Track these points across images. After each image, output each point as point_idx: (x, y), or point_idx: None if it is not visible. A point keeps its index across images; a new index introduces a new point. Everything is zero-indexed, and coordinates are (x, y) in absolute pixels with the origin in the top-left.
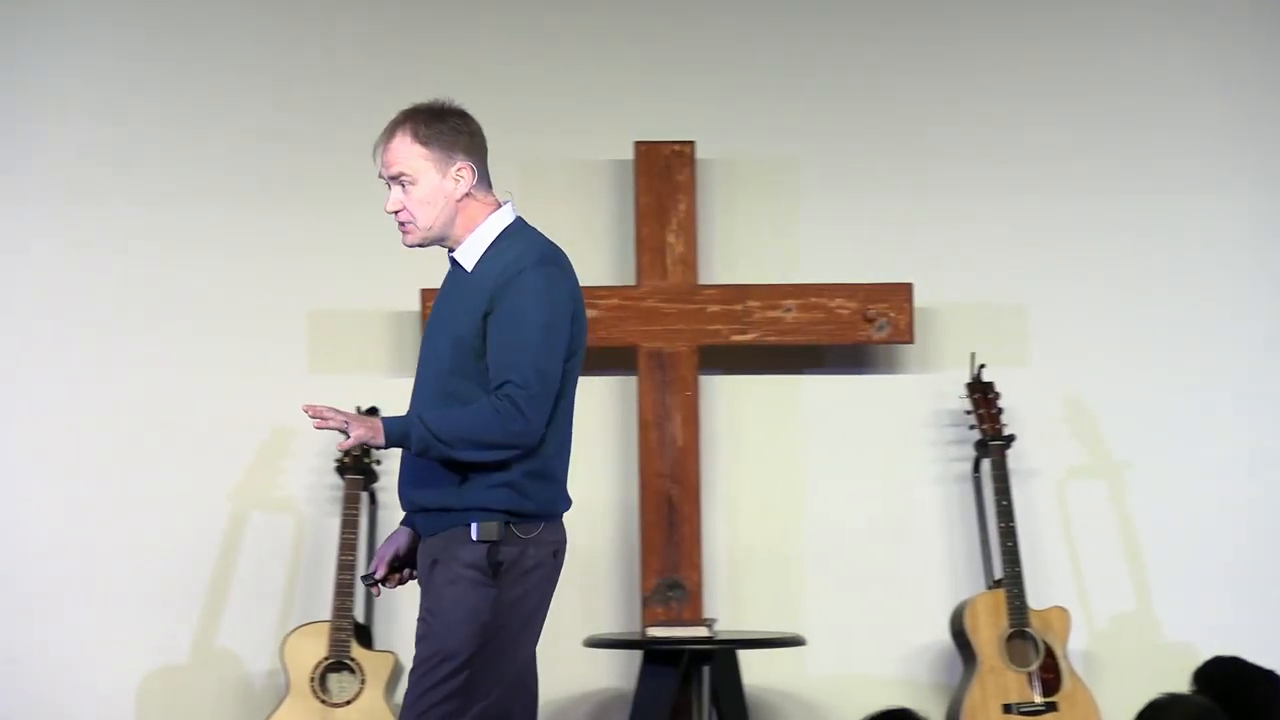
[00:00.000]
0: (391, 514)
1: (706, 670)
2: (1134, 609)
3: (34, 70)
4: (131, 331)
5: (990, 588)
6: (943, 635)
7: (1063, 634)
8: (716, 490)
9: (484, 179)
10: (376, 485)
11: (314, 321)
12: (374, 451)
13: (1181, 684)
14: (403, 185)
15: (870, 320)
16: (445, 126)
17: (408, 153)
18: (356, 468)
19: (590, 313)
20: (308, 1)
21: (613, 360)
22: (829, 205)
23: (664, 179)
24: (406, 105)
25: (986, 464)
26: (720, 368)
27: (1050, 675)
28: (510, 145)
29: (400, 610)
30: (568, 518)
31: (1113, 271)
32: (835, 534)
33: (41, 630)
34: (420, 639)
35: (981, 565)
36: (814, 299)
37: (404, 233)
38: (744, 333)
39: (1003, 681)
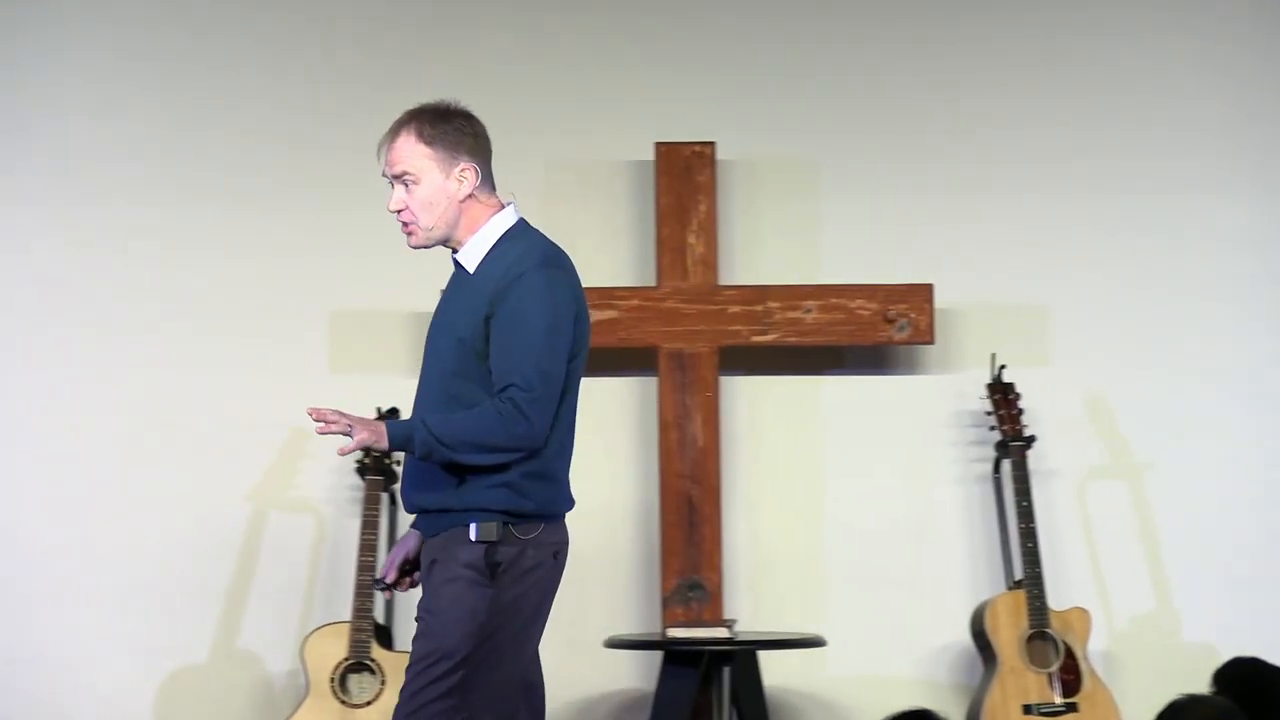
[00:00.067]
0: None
1: (727, 671)
2: (1154, 610)
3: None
4: (151, 332)
5: (1010, 588)
6: (963, 636)
7: (1083, 635)
8: (737, 491)
9: (488, 180)
10: (397, 486)
11: (334, 322)
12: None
13: (1201, 685)
14: (406, 185)
15: (891, 321)
16: (450, 127)
17: (411, 152)
18: (377, 468)
19: (610, 313)
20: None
21: (633, 361)
22: (849, 206)
23: (685, 180)
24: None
25: (1007, 464)
26: (741, 368)
27: (1070, 676)
28: (531, 146)
29: None
30: (588, 517)
31: (1134, 272)
32: (856, 534)
33: (62, 630)
34: (418, 637)
35: (1002, 566)
36: (834, 300)
37: (407, 234)
38: (764, 333)
39: (1023, 682)
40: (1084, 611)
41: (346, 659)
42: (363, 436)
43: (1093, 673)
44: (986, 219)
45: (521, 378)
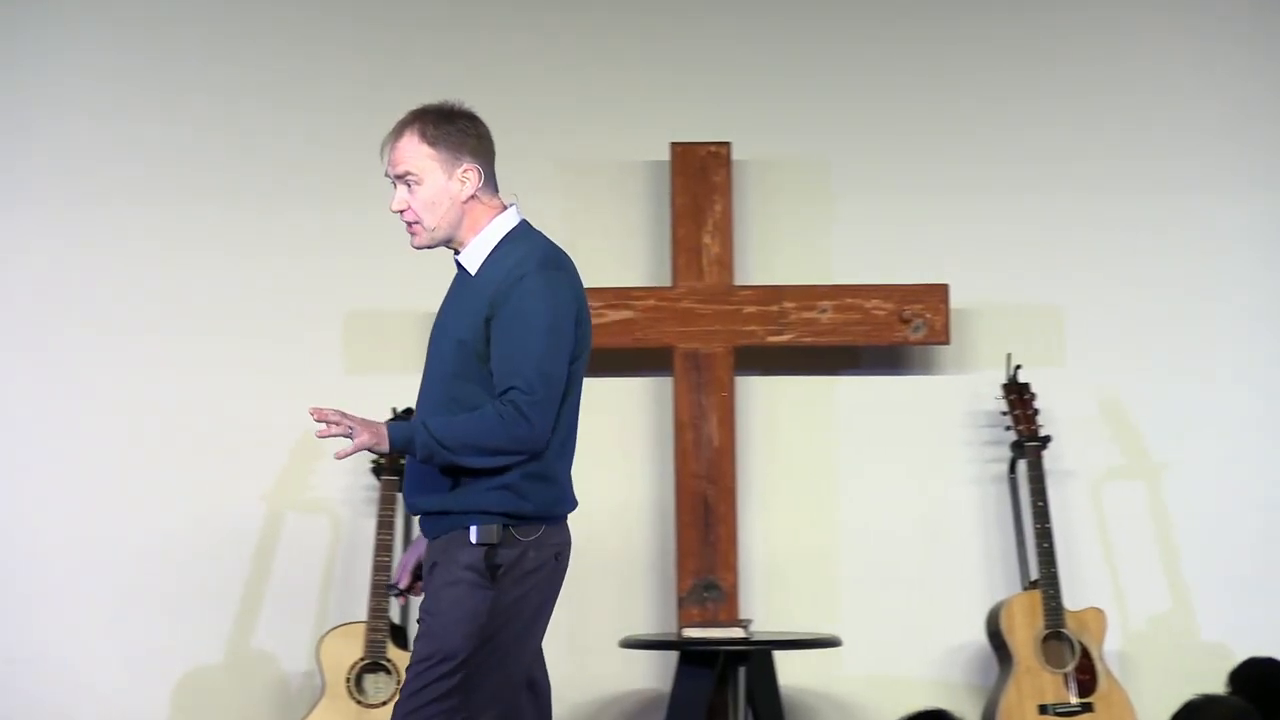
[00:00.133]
0: None
1: (742, 671)
2: (1169, 610)
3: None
4: (167, 334)
5: (1026, 588)
6: (978, 636)
7: (1099, 635)
8: (752, 491)
9: (490, 181)
10: None
11: (350, 323)
12: None
13: (1217, 685)
14: (408, 185)
15: (906, 321)
16: (453, 128)
17: (414, 153)
18: (392, 469)
19: (626, 313)
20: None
21: (649, 361)
22: (865, 206)
23: (700, 180)
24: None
25: (1022, 465)
26: (756, 368)
27: (1086, 676)
28: (547, 146)
29: None
30: (603, 517)
31: (1150, 272)
32: (871, 535)
33: (77, 631)
34: (419, 637)
35: (1017, 566)
36: (850, 300)
37: (411, 234)
38: (780, 334)
39: (1039, 682)
40: (1100, 611)
41: (362, 659)
42: (363, 439)
43: (1108, 673)
44: (1002, 219)
45: (523, 380)
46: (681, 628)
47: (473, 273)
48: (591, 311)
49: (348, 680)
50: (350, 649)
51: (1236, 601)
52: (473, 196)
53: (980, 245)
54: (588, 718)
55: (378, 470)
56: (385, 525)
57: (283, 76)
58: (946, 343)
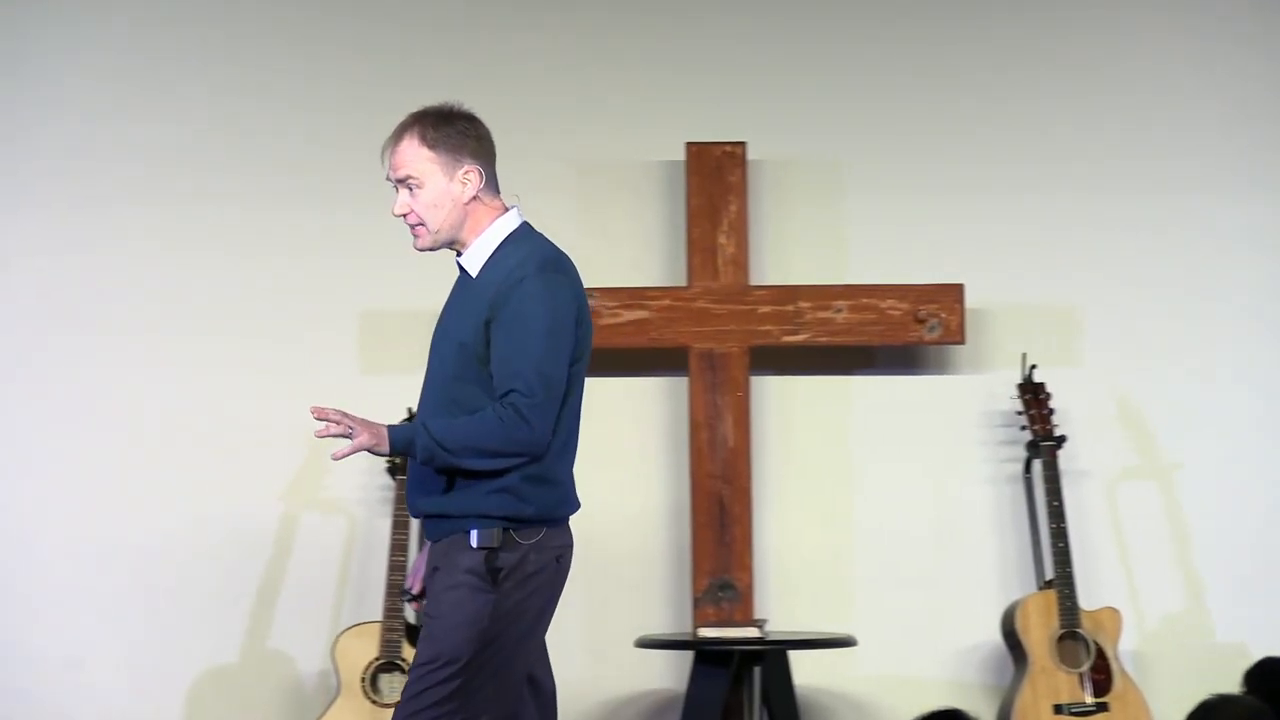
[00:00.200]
0: None
1: (757, 671)
2: (1185, 609)
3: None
4: (184, 333)
5: (1041, 588)
6: (993, 636)
7: (1114, 634)
8: (768, 491)
9: (491, 183)
10: None
11: (365, 322)
12: None
13: (1232, 684)
14: (410, 188)
15: (921, 321)
16: (452, 130)
17: (415, 156)
18: (407, 469)
19: (641, 313)
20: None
21: (664, 361)
22: (880, 206)
23: (715, 180)
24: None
25: (1038, 465)
26: (771, 368)
27: (1101, 676)
28: (563, 147)
29: None
30: (618, 517)
31: (1165, 272)
32: (886, 534)
33: (93, 631)
34: (422, 640)
35: (1033, 566)
36: (865, 300)
37: (414, 236)
38: (795, 333)
39: (1054, 682)
40: (1115, 611)
41: (377, 659)
42: (362, 439)
43: (1124, 672)
44: (1017, 219)
45: (523, 383)
46: (697, 627)
47: (474, 275)
48: (607, 311)
49: (363, 680)
50: (366, 649)
51: (1252, 601)
52: (474, 198)
53: (996, 245)
54: (603, 718)
55: (393, 470)
56: (400, 525)
57: (294, 78)
58: (962, 342)
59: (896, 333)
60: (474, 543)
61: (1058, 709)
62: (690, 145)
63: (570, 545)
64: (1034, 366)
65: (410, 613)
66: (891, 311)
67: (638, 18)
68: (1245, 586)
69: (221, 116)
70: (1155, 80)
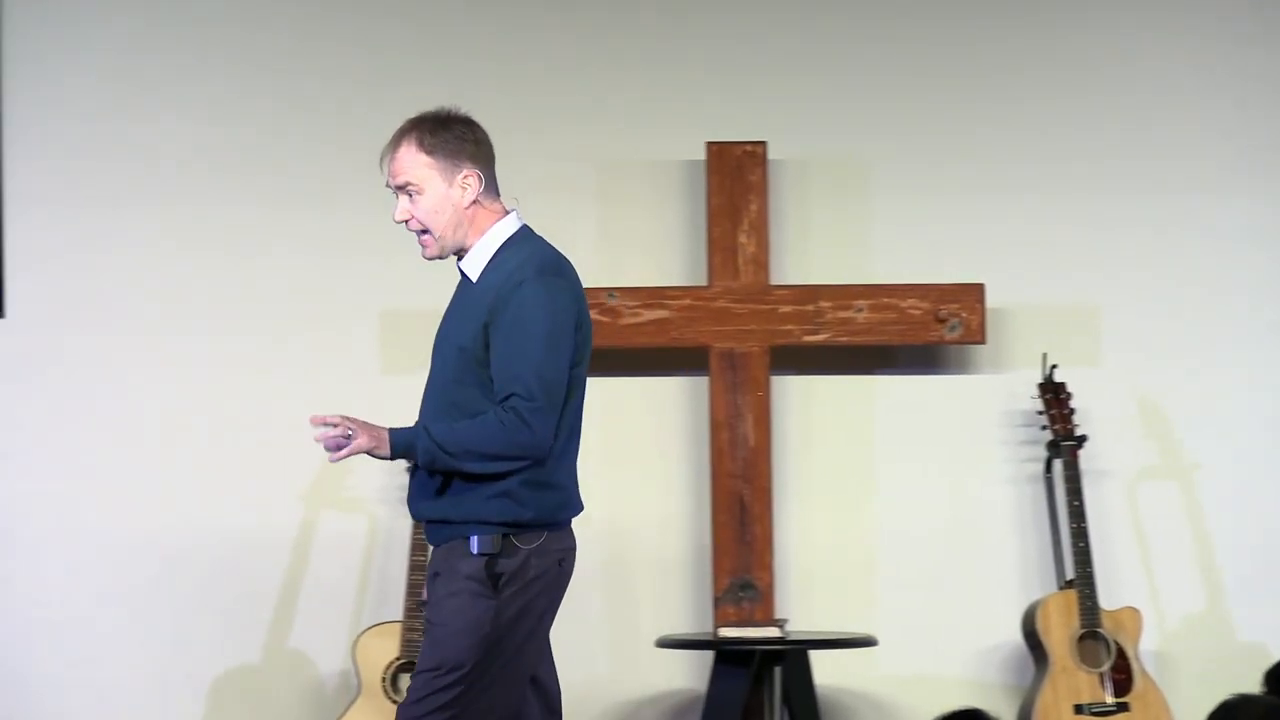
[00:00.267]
0: None
1: (778, 671)
2: (1205, 609)
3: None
4: (204, 333)
5: (1062, 588)
6: (1014, 636)
7: (1134, 634)
8: (788, 491)
9: (491, 186)
10: None
11: (386, 322)
12: None
13: (1253, 684)
14: (410, 195)
15: (942, 320)
16: (450, 135)
17: (413, 162)
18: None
19: (662, 313)
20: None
21: (684, 361)
22: (901, 205)
23: (736, 179)
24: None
25: (1058, 464)
26: (792, 368)
27: (1122, 676)
28: (583, 146)
29: None
30: (639, 517)
31: (1186, 272)
32: (907, 534)
33: (114, 629)
34: (425, 646)
35: (1053, 566)
36: (886, 299)
37: (421, 245)
38: (816, 333)
39: (1074, 682)
40: (1135, 611)
41: (398, 658)
42: (360, 442)
43: (1144, 672)
44: (1038, 219)
45: (523, 387)
46: (717, 627)
47: (474, 279)
48: (627, 311)
49: (384, 679)
50: (386, 648)
51: (1273, 601)
52: (474, 202)
53: (1017, 245)
54: (624, 718)
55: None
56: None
57: (320, 79)
58: (982, 342)
59: (917, 332)
60: (474, 549)
61: (1078, 709)
62: (711, 145)
63: (573, 549)
64: (1055, 366)
65: None
66: (912, 311)
67: (659, 18)
68: (1266, 586)
69: (242, 117)
70: (1181, 80)
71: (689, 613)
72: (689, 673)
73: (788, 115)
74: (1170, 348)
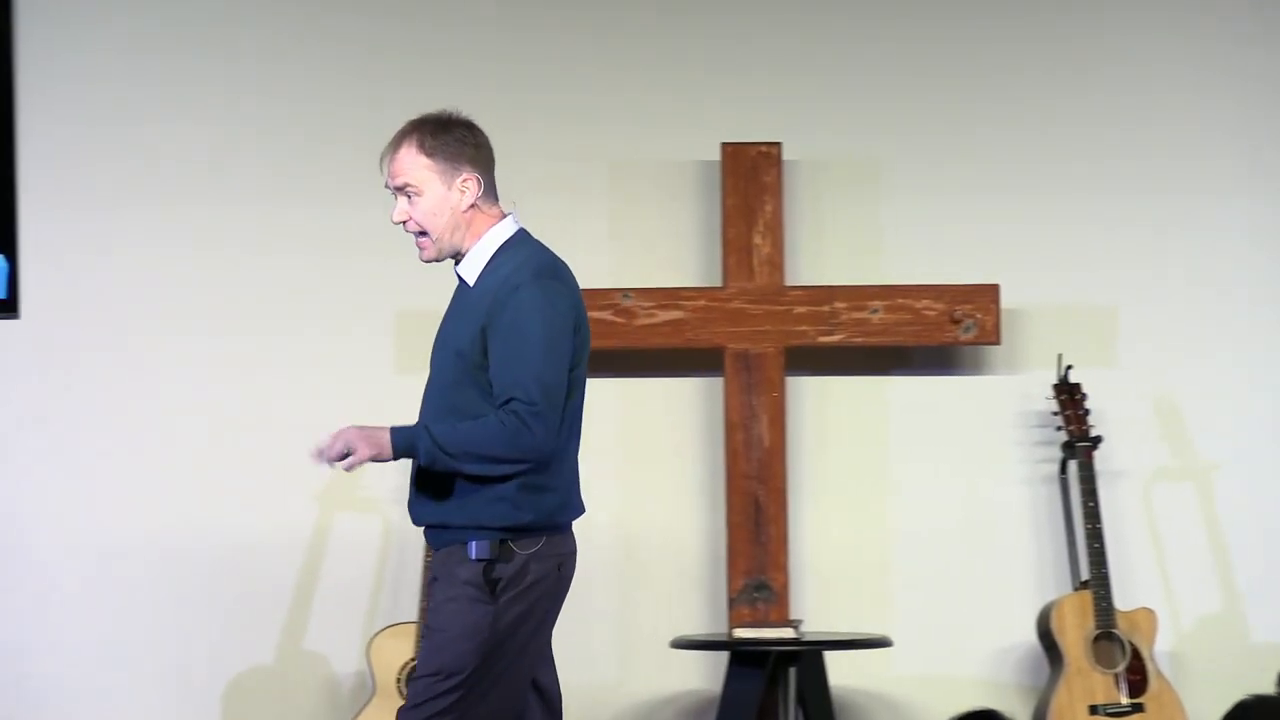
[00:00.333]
0: None
1: (793, 671)
2: (1221, 610)
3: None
4: (219, 332)
5: (1077, 589)
6: (1029, 636)
7: (1149, 635)
8: (803, 491)
9: (490, 190)
10: None
11: (401, 322)
12: None
13: (1268, 685)
14: (408, 196)
15: (957, 321)
16: (451, 138)
17: (413, 164)
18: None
19: (677, 314)
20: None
21: (699, 361)
22: (915, 206)
23: (751, 180)
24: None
25: (1073, 465)
26: (807, 369)
27: (1137, 676)
28: (598, 147)
29: None
30: (654, 517)
31: (1202, 272)
32: (922, 535)
33: (129, 630)
34: (424, 652)
35: (1068, 566)
36: (900, 300)
37: (419, 248)
38: (830, 334)
39: (1089, 683)
40: (1150, 612)
41: (412, 659)
42: (363, 451)
43: (1159, 673)
44: (1053, 219)
45: (523, 391)
46: (732, 628)
47: (471, 283)
48: (642, 312)
49: (399, 680)
50: (401, 649)
51: None
52: (473, 206)
53: (1031, 245)
54: (638, 718)
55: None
56: None
57: (338, 77)
58: (997, 343)
59: (932, 333)
60: (472, 554)
61: (1093, 710)
62: (725, 146)
63: (573, 553)
64: (1070, 367)
65: None
66: (927, 312)
67: (673, 18)
68: None
69: (257, 117)
70: (1196, 80)
71: (704, 613)
72: (704, 673)
73: (803, 116)
74: (1186, 348)
